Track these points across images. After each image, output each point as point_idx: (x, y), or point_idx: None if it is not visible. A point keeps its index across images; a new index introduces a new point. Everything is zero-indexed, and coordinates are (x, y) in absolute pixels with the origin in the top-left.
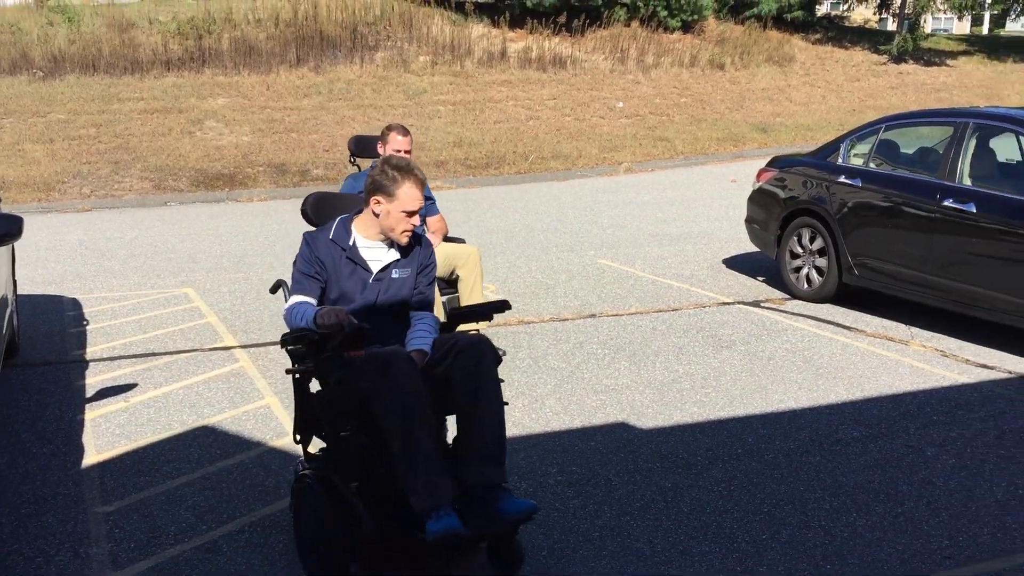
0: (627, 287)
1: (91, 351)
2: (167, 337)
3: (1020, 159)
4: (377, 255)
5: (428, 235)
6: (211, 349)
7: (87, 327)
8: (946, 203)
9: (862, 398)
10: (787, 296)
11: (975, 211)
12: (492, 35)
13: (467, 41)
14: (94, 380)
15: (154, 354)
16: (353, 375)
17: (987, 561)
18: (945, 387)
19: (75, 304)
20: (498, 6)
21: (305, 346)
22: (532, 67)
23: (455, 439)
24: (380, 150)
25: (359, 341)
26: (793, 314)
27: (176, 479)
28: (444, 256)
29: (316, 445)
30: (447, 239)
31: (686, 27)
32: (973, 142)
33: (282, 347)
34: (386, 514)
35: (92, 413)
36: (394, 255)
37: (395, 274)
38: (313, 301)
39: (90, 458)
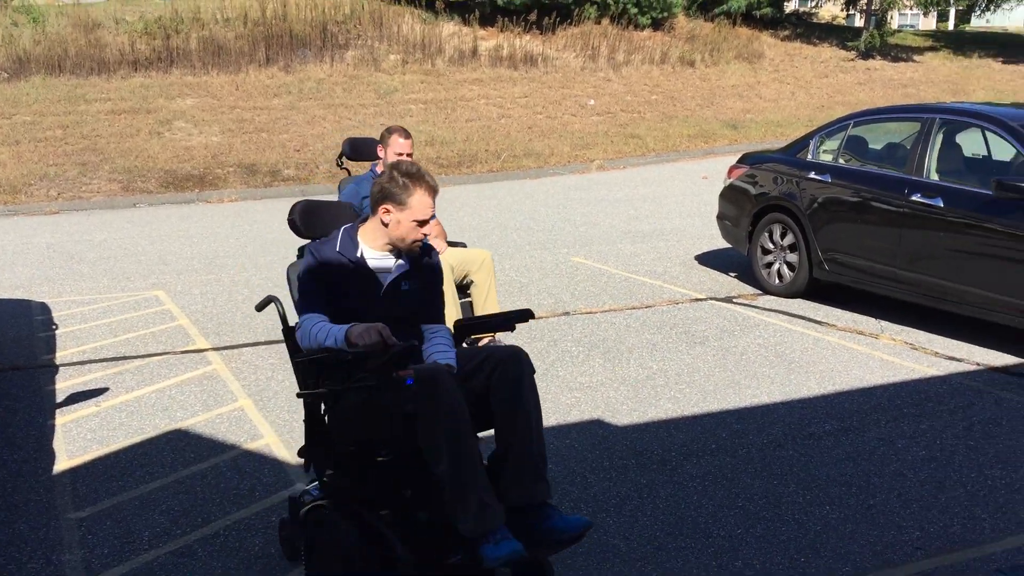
0: (600, 284)
1: (61, 355)
2: (138, 340)
3: (986, 154)
4: (385, 266)
5: (432, 241)
6: (183, 352)
7: (56, 331)
8: (914, 198)
9: (834, 392)
10: (759, 292)
11: (942, 205)
12: (463, 33)
13: (438, 39)
14: (64, 385)
15: (125, 358)
16: (396, 396)
17: (958, 551)
18: (915, 380)
19: (44, 308)
20: (469, 4)
21: (330, 367)
22: (503, 65)
23: (493, 456)
24: (380, 153)
25: (408, 360)
26: (765, 309)
27: (149, 483)
28: (457, 261)
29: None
30: (449, 243)
31: (656, 24)
32: (940, 137)
33: (296, 369)
34: (418, 540)
35: (63, 418)
36: (403, 266)
37: (405, 286)
38: (327, 318)
39: (61, 464)
